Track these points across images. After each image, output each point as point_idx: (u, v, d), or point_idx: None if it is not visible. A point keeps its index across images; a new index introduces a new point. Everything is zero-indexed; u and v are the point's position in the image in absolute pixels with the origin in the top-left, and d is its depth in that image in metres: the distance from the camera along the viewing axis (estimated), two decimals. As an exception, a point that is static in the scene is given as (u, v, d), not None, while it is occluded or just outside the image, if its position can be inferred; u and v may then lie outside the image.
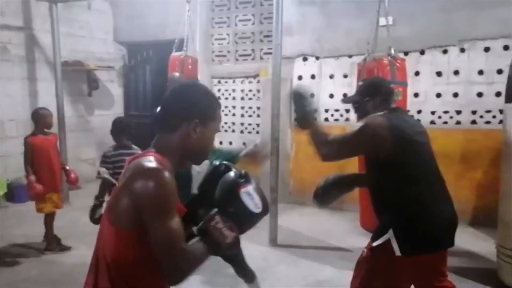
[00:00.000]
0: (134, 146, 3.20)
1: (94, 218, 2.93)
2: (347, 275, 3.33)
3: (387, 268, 1.96)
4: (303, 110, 2.03)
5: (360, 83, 2.25)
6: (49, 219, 3.83)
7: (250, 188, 1.22)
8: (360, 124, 1.96)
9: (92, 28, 6.67)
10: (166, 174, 1.16)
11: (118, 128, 3.19)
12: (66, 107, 5.85)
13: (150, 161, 1.19)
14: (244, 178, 1.24)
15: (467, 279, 3.20)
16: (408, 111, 4.38)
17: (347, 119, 5.17)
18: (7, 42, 5.51)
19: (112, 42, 7.04)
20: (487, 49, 4.44)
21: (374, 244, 1.97)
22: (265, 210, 1.24)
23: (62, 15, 5.74)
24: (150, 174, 1.15)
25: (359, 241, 4.00)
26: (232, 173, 1.27)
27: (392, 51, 3.25)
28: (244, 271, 1.69)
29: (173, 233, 1.13)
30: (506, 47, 4.33)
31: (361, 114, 2.13)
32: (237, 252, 1.35)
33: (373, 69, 3.22)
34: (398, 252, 1.87)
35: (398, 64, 3.19)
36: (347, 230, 4.39)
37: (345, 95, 4.85)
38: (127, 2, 6.63)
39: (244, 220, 1.21)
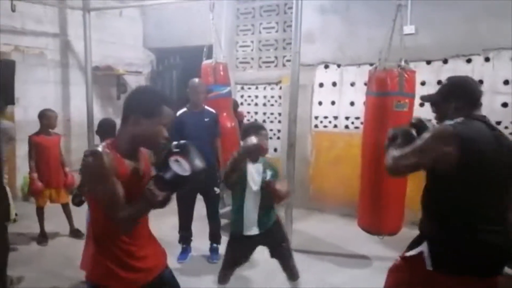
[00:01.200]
0: None
1: (74, 202, 3.30)
2: (359, 282, 3.39)
3: (416, 280, 1.84)
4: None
5: (445, 81, 2.00)
6: (39, 212, 4.18)
7: (178, 156, 1.58)
8: (425, 134, 1.79)
9: (123, 34, 6.95)
10: (99, 152, 1.57)
11: (102, 128, 3.40)
12: (95, 109, 6.13)
13: (96, 146, 1.65)
14: (178, 149, 1.62)
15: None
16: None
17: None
18: (44, 48, 5.84)
19: (141, 48, 7.31)
20: (512, 59, 4.36)
21: (408, 254, 1.87)
22: (194, 173, 1.58)
23: (95, 22, 6.03)
24: (87, 153, 1.61)
25: (376, 249, 4.03)
26: (171, 145, 1.65)
27: (403, 62, 3.25)
28: (290, 268, 2.67)
29: (109, 192, 1.55)
30: (532, 57, 4.25)
31: (439, 117, 1.94)
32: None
33: (382, 78, 3.24)
34: (429, 266, 1.76)
35: (407, 76, 3.20)
36: (364, 238, 4.36)
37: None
38: (156, 9, 6.87)
39: (175, 181, 1.57)
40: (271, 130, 6.10)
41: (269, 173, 2.57)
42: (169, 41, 6.91)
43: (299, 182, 4.11)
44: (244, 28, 6.27)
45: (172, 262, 3.69)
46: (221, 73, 4.61)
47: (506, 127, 4.41)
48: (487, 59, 4.50)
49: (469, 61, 4.60)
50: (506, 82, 4.40)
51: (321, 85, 5.53)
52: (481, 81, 4.55)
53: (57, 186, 4.22)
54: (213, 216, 3.85)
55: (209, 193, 3.78)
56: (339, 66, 5.37)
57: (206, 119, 3.72)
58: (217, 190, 3.82)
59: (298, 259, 3.74)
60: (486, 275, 1.76)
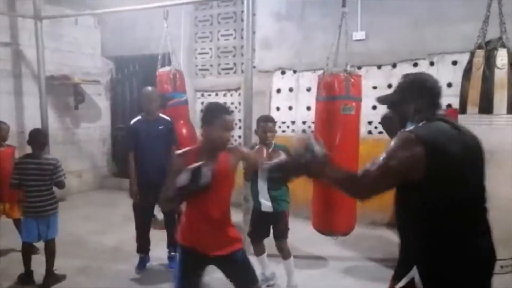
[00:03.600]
0: (47, 156, 3.44)
1: None
2: (314, 282, 3.47)
3: None
4: (308, 158, 1.66)
5: (401, 79, 1.77)
6: None
7: (188, 173, 2.00)
8: (391, 144, 1.57)
9: (80, 43, 6.84)
10: (177, 154, 2.25)
11: (30, 138, 3.41)
12: (52, 120, 5.98)
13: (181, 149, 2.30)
14: (193, 169, 2.02)
15: None
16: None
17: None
18: (-6, 58, 5.66)
19: (100, 57, 7.21)
20: (454, 63, 4.62)
21: (397, 286, 1.62)
22: (189, 186, 2.01)
23: (50, 31, 5.91)
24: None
25: (333, 249, 4.14)
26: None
27: (349, 67, 3.39)
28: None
29: (167, 183, 2.13)
30: (472, 61, 4.51)
31: (399, 119, 1.74)
32: None
33: (329, 83, 3.36)
34: None
35: (353, 80, 3.33)
36: (320, 239, 4.45)
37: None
38: (114, 17, 6.81)
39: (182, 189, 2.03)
40: (232, 136, 6.13)
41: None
42: (128, 49, 6.85)
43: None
44: (203, 36, 6.31)
45: (129, 272, 3.69)
46: (179, 81, 4.64)
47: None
48: (432, 63, 4.74)
49: (415, 65, 4.83)
50: (449, 85, 4.64)
51: (278, 91, 5.64)
52: (428, 84, 4.77)
53: (9, 200, 4.08)
54: (171, 223, 3.84)
55: (166, 201, 3.77)
56: (295, 72, 5.50)
57: (160, 127, 3.72)
58: (174, 197, 3.81)
59: (254, 262, 3.81)
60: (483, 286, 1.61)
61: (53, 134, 5.80)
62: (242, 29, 5.93)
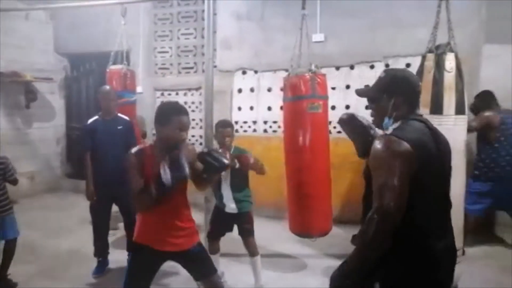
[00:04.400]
0: None
1: None
2: (277, 280, 3.51)
3: None
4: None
5: (382, 74, 1.74)
6: None
7: (166, 167, 2.08)
8: (375, 154, 1.51)
9: (31, 38, 6.52)
10: (132, 153, 2.18)
11: None
12: (2, 119, 5.67)
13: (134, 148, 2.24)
14: (171, 161, 2.12)
15: None
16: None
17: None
18: None
19: (53, 53, 6.91)
20: (408, 65, 4.82)
21: None
22: (174, 182, 2.08)
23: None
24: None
25: (295, 247, 4.20)
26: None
27: (313, 67, 3.47)
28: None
29: (131, 184, 2.13)
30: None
31: (378, 115, 1.72)
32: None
33: (295, 83, 3.42)
34: None
35: (318, 79, 3.41)
36: (284, 237, 4.54)
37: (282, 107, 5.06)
38: (68, 12, 6.55)
39: (160, 185, 2.06)
40: (193, 136, 6.09)
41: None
42: (84, 46, 6.60)
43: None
44: (162, 34, 6.21)
45: (87, 277, 3.57)
46: (130, 80, 4.55)
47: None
48: (387, 65, 4.93)
49: (372, 67, 5.01)
50: (404, 87, 4.85)
51: (239, 90, 5.66)
52: (383, 86, 4.96)
53: None
54: (130, 225, 3.74)
55: (124, 203, 3.68)
56: (256, 72, 5.54)
57: (119, 127, 3.63)
58: (134, 199, 3.73)
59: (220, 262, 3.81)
60: None
61: (2, 135, 5.51)
62: (203, 29, 5.90)
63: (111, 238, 3.87)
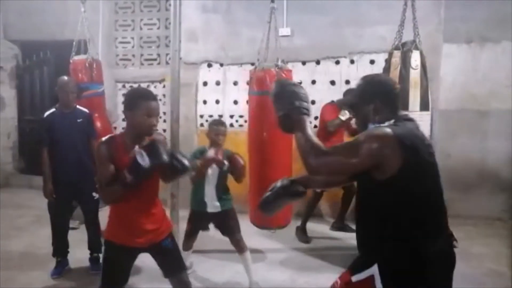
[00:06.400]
0: None
1: None
2: (241, 276, 3.49)
3: None
4: (290, 105, 1.65)
5: (360, 81, 1.80)
6: None
7: (142, 151, 1.97)
8: (361, 135, 1.55)
9: (-23, 23, 6.07)
10: (102, 141, 2.12)
11: None
12: None
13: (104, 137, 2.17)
14: (146, 146, 2.01)
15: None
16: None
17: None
18: None
19: (2, 40, 6.46)
20: (372, 62, 4.93)
21: (354, 278, 1.61)
22: (152, 165, 1.97)
23: None
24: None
25: (262, 242, 4.19)
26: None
27: (279, 62, 3.45)
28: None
29: (100, 174, 2.07)
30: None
31: (360, 120, 1.77)
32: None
33: (261, 77, 3.40)
34: None
35: (284, 75, 3.40)
36: (252, 232, 4.52)
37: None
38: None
39: (137, 169, 1.96)
40: (156, 130, 5.91)
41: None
42: (38, 34, 6.22)
43: (185, 182, 4.07)
44: (124, 24, 5.97)
45: (44, 278, 3.38)
46: (96, 70, 4.34)
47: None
48: (352, 61, 5.02)
49: (337, 62, 5.07)
50: (367, 83, 4.96)
51: (205, 84, 5.55)
52: (347, 81, 5.05)
53: None
54: (91, 222, 3.59)
55: (85, 199, 3.52)
56: (221, 65, 5.45)
57: (78, 120, 3.45)
58: (95, 195, 3.56)
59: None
60: None
61: None
62: (167, 19, 5.76)
63: (70, 236, 3.68)
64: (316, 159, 1.53)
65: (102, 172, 2.05)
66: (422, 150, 1.55)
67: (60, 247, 3.52)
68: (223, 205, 3.26)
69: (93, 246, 3.59)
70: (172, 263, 2.31)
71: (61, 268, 3.50)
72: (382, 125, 1.60)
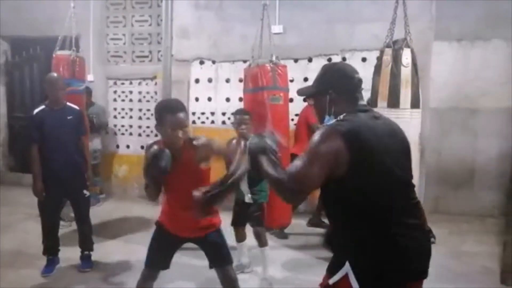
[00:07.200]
0: None
1: None
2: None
3: None
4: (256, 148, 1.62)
5: (320, 70, 1.70)
6: None
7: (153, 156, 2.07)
8: (310, 141, 1.50)
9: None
10: (149, 144, 2.25)
11: None
12: None
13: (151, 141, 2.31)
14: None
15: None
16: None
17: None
18: None
19: (-9, 36, 6.38)
20: (364, 59, 4.95)
21: (331, 281, 1.55)
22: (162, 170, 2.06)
23: None
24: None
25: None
26: None
27: (274, 58, 3.45)
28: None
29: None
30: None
31: (318, 111, 1.68)
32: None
33: (256, 74, 3.39)
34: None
35: (279, 71, 3.40)
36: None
37: (241, 99, 5.01)
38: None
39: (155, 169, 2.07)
40: (148, 127, 5.89)
41: None
42: (28, 30, 6.15)
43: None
44: (115, 20, 5.93)
45: (35, 277, 3.34)
46: (79, 67, 4.31)
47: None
48: (344, 59, 5.03)
49: (329, 60, 5.07)
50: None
51: (197, 81, 5.54)
52: (340, 79, 5.06)
53: None
54: (82, 220, 3.56)
55: (76, 197, 3.48)
56: (214, 62, 5.44)
57: (69, 117, 3.41)
58: (86, 193, 3.54)
59: (176, 257, 3.73)
60: (419, 275, 1.55)
61: None
62: (159, 16, 5.72)
63: (61, 234, 3.65)
64: (282, 191, 1.51)
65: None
66: (371, 144, 1.46)
67: (51, 245, 3.48)
68: (256, 198, 3.30)
69: (84, 244, 3.56)
70: (216, 255, 2.38)
71: (52, 266, 3.47)
72: (328, 122, 1.54)
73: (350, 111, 1.54)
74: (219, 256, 2.38)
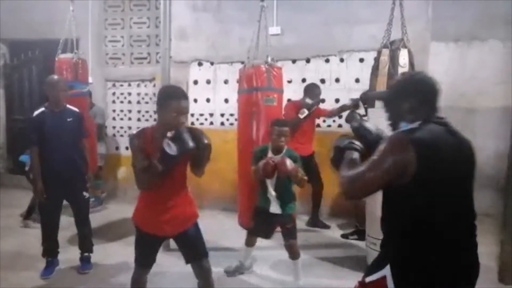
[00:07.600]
0: None
1: None
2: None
3: None
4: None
5: (399, 77, 1.79)
6: None
7: (170, 141, 2.05)
8: (382, 144, 1.50)
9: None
10: (133, 134, 2.22)
11: None
12: None
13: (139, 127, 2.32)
14: (172, 136, 2.08)
15: (342, 267, 3.56)
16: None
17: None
18: None
19: (-11, 39, 6.40)
20: (361, 60, 4.97)
21: (367, 279, 1.61)
22: (180, 153, 2.05)
23: None
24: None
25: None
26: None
27: (269, 59, 3.47)
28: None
29: (132, 162, 2.19)
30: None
31: (392, 118, 1.70)
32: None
33: (251, 75, 3.41)
34: None
35: (274, 72, 3.42)
36: (240, 231, 4.53)
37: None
38: (7, -4, 6.08)
39: (166, 158, 2.06)
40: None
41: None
42: (26, 32, 6.17)
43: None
44: (113, 22, 5.95)
45: (34, 279, 3.35)
46: (82, 70, 4.33)
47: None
48: (341, 60, 5.06)
49: (327, 61, 5.11)
50: (357, 80, 5.00)
51: (195, 82, 5.56)
52: (337, 80, 5.09)
53: None
54: (82, 222, 3.57)
55: (76, 198, 3.49)
56: (212, 64, 5.46)
57: (69, 119, 3.42)
58: (86, 194, 3.55)
59: (176, 259, 3.73)
60: None
61: None
62: (157, 18, 5.74)
63: (60, 236, 3.66)
64: (344, 185, 1.55)
65: (136, 162, 2.18)
66: (441, 157, 1.46)
67: (51, 247, 3.49)
68: (284, 209, 3.14)
69: (83, 245, 3.58)
70: (194, 250, 2.39)
71: (52, 268, 3.48)
72: (404, 128, 1.56)
73: (425, 120, 1.56)
74: (197, 251, 2.39)
